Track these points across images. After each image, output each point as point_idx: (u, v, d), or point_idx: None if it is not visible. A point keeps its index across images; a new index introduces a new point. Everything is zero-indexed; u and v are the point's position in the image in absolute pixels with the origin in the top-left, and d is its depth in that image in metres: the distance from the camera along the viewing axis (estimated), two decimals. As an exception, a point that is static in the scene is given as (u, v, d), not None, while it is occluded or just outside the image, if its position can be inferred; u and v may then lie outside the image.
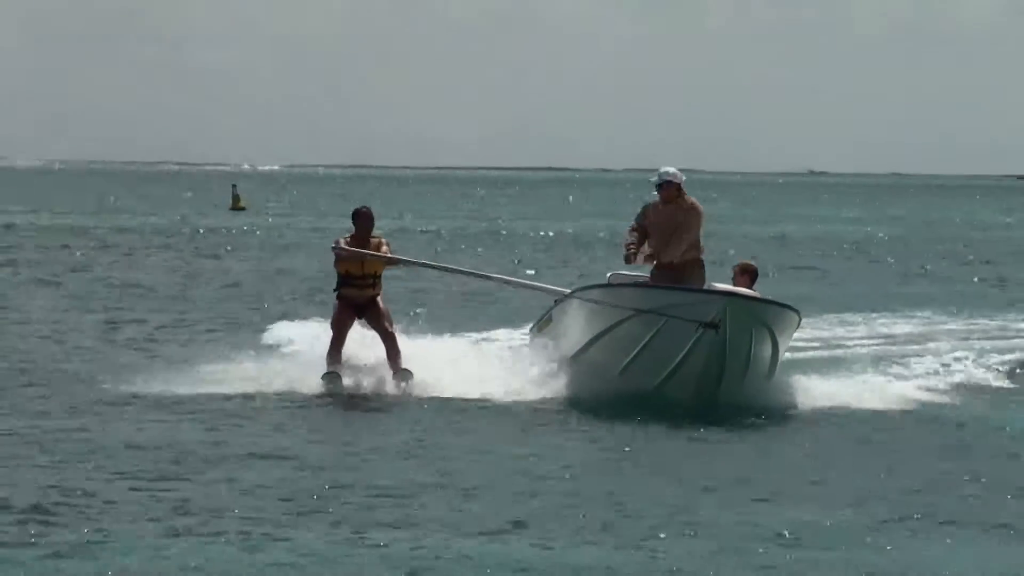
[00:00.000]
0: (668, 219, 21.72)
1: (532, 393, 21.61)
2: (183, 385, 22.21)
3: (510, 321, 30.38)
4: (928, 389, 22.99)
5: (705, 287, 21.60)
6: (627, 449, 18.80)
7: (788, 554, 13.64)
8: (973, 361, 26.11)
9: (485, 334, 29.06)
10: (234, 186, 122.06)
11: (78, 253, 58.35)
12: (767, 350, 20.87)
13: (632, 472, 17.59)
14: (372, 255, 22.79)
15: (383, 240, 22.96)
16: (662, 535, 14.10)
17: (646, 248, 21.91)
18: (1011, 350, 29.18)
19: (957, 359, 26.37)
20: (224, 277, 48.13)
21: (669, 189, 21.71)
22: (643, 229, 21.83)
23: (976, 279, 52.37)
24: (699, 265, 21.72)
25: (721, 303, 20.36)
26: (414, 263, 26.27)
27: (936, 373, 24.91)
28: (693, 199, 22.06)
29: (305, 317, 29.40)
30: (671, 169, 21.94)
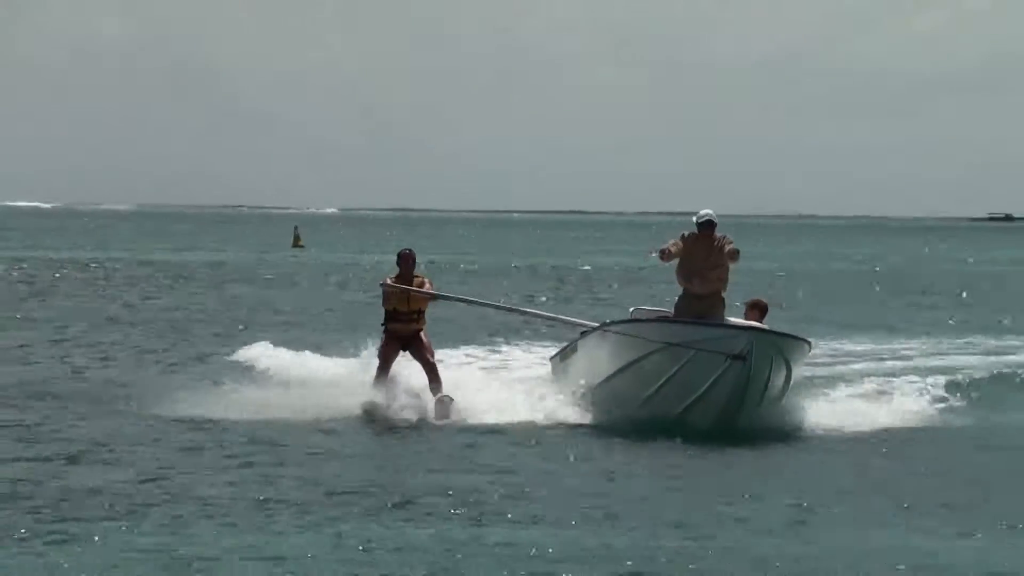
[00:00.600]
0: (705, 252, 22.23)
1: (559, 417, 22.01)
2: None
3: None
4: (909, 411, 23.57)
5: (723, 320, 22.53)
6: (655, 470, 19.24)
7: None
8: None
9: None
10: (296, 227, 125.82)
11: (166, 281, 61.76)
12: (782, 378, 21.55)
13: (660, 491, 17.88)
14: (416, 291, 23.30)
15: (425, 279, 23.63)
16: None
17: (676, 259, 22.18)
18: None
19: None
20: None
21: (709, 228, 22.22)
22: (680, 248, 22.14)
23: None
24: (721, 298, 22.21)
25: (748, 337, 21.08)
26: (454, 298, 26.78)
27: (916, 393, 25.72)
28: (730, 240, 22.49)
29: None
30: (710, 211, 22.39)
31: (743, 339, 21.03)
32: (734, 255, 22.41)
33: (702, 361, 21.10)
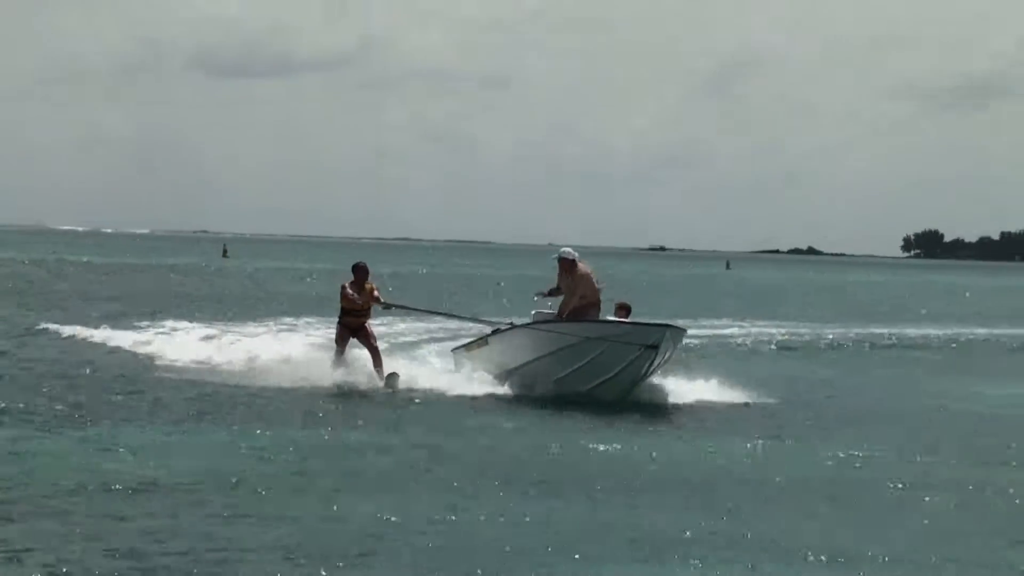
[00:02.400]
0: (571, 281, 23.67)
1: (480, 391, 23.25)
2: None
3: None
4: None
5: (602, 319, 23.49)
6: (560, 432, 19.66)
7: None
8: None
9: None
10: (224, 244, 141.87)
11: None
12: (665, 359, 22.81)
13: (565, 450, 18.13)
14: (389, 304, 26.25)
15: (374, 286, 25.15)
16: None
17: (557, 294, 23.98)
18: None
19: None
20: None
21: (567, 262, 23.74)
22: (561, 284, 23.90)
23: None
24: (597, 308, 23.62)
25: (662, 331, 22.43)
26: (395, 305, 27.95)
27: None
28: (584, 266, 23.80)
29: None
30: (569, 249, 23.97)
31: (658, 333, 22.33)
32: (591, 278, 23.75)
33: (617, 350, 22.27)
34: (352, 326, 24.90)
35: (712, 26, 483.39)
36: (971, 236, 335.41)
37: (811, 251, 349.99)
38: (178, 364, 27.29)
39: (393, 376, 24.18)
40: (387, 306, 26.63)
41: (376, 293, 25.24)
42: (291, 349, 28.58)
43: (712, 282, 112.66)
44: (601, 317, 23.80)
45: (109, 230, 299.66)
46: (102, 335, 32.79)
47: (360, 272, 25.08)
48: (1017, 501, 15.70)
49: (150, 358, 28.40)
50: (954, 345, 43.74)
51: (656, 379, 23.18)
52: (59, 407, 20.26)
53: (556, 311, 24.11)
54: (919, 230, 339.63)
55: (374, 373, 24.43)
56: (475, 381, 23.85)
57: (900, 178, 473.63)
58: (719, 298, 76.01)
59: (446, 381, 24.20)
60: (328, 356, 25.51)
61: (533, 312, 24.88)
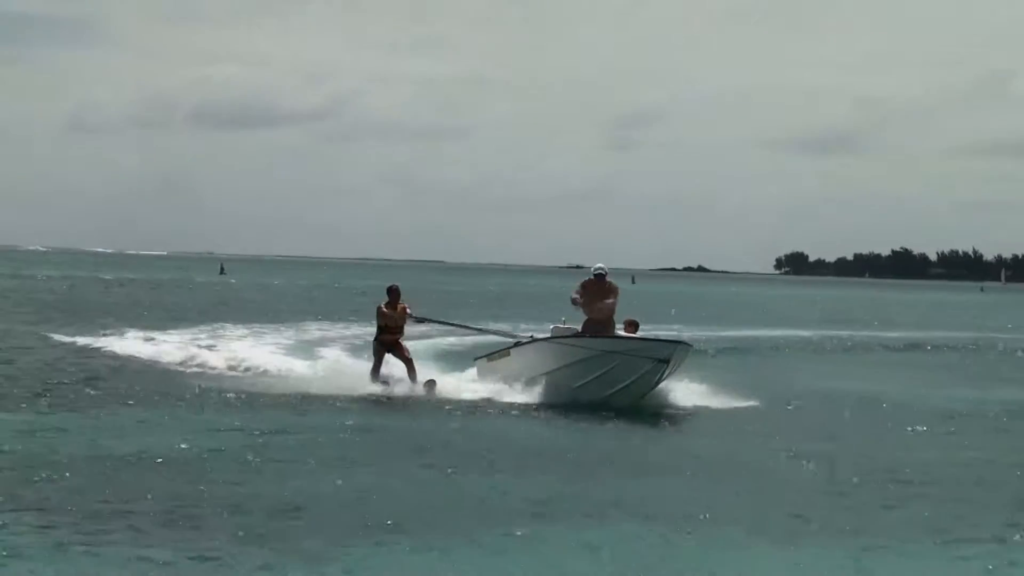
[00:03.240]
0: (599, 292, 22.92)
1: (506, 398, 21.95)
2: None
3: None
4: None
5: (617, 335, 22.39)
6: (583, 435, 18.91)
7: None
8: None
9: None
10: (221, 263, 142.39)
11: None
12: (672, 371, 21.67)
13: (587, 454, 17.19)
14: (418, 319, 24.71)
15: (406, 305, 23.78)
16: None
17: (580, 302, 22.88)
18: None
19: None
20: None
21: (602, 276, 23.06)
22: (583, 291, 22.94)
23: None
24: (612, 322, 22.71)
25: (673, 347, 21.66)
26: (427, 320, 26.55)
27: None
28: (613, 282, 23.11)
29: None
30: (602, 265, 23.23)
31: (669, 348, 21.54)
32: (616, 291, 23.00)
33: (632, 363, 21.31)
34: (387, 342, 23.49)
35: (616, 86, 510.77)
36: (831, 257, 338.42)
37: (701, 268, 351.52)
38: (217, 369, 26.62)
39: (431, 383, 22.87)
40: (419, 320, 25.15)
41: (408, 311, 23.89)
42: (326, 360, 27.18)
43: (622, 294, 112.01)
44: (614, 331, 22.69)
45: (131, 252, 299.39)
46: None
47: (393, 294, 23.85)
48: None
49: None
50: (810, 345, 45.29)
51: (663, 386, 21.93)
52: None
53: (571, 327, 23.02)
54: (788, 252, 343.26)
55: (410, 383, 22.96)
56: (501, 389, 22.47)
57: (773, 209, 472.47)
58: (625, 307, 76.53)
59: (474, 388, 22.88)
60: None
61: (552, 327, 23.56)
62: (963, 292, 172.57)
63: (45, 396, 20.51)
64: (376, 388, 22.86)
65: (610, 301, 22.96)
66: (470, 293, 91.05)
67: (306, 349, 31.31)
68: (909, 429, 20.42)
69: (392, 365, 23.62)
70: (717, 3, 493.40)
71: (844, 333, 53.00)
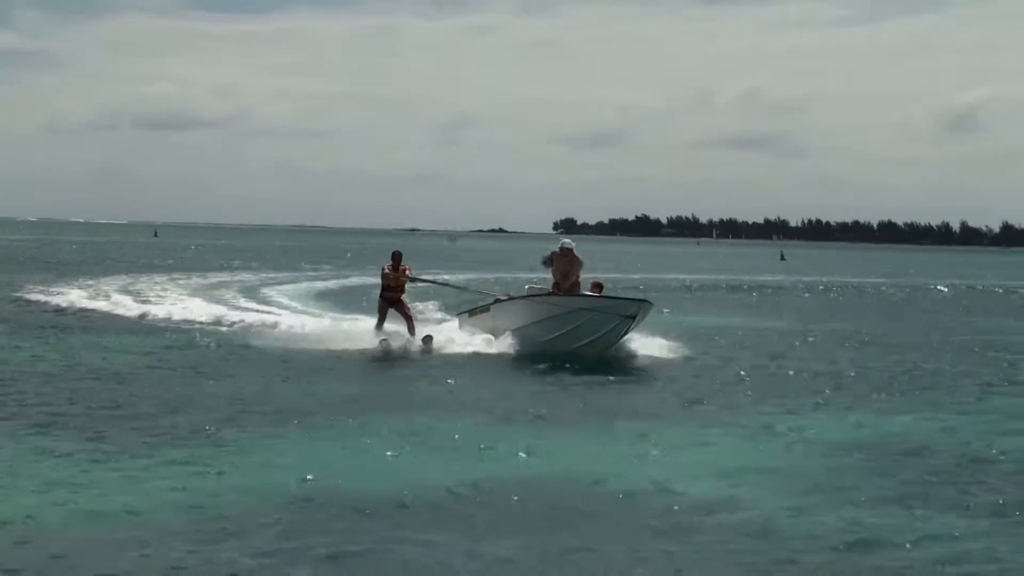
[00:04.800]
0: (567, 264, 19.74)
1: (487, 348, 19.22)
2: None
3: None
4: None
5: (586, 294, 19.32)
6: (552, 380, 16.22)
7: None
8: None
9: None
10: (156, 228, 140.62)
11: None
12: (635, 327, 18.88)
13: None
14: (411, 279, 20.56)
15: (407, 267, 20.54)
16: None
17: (551, 268, 19.83)
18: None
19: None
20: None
21: (570, 250, 19.70)
22: (551, 259, 19.87)
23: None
24: (578, 287, 19.65)
25: (639, 304, 18.52)
26: (420, 279, 23.04)
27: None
28: (579, 254, 19.85)
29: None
30: (569, 240, 20.17)
31: (635, 306, 18.49)
32: (580, 263, 19.79)
33: (602, 319, 18.34)
34: (390, 299, 19.97)
35: (442, 99, 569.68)
36: (592, 221, 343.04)
37: (501, 230, 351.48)
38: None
39: (428, 338, 19.42)
40: (414, 280, 21.17)
41: (408, 272, 20.35)
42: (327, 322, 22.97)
43: (444, 251, 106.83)
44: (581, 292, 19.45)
45: (96, 221, 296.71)
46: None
47: (396, 258, 20.29)
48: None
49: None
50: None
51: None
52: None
53: (544, 286, 20.10)
54: (562, 218, 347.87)
55: (409, 337, 19.68)
56: (481, 340, 19.48)
57: (554, 187, 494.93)
58: (447, 261, 72.26)
59: (462, 340, 19.72)
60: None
61: (527, 287, 20.60)
62: (685, 246, 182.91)
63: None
64: (379, 340, 19.49)
65: (576, 273, 19.81)
66: (336, 249, 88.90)
67: (210, 289, 30.83)
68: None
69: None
70: (515, 36, 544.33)
71: (636, 276, 52.55)
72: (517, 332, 19.25)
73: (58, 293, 28.03)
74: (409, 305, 20.33)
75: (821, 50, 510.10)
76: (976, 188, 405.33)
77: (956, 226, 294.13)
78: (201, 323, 22.40)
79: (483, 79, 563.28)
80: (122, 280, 34.70)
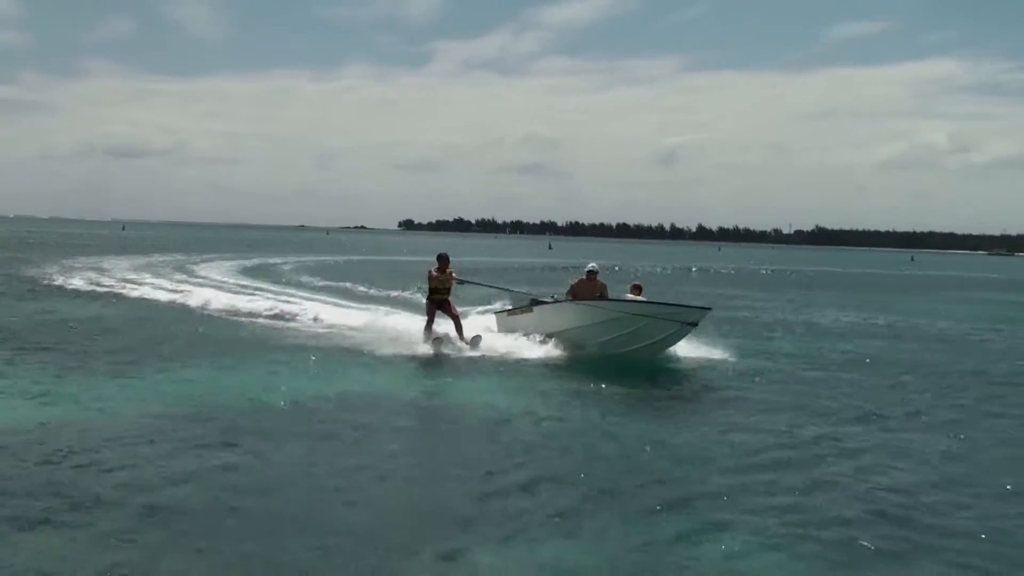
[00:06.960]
0: (590, 289, 13.49)
1: (533, 353, 12.78)
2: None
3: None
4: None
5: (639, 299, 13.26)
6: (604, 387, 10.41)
7: None
8: None
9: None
10: (123, 224, 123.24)
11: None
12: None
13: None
14: (459, 280, 14.14)
15: (452, 271, 13.83)
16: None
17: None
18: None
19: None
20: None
21: (592, 273, 13.56)
22: (575, 291, 13.55)
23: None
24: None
25: (702, 312, 12.37)
26: (466, 281, 15.63)
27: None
28: (602, 281, 13.67)
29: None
30: (593, 264, 13.78)
31: (699, 313, 12.32)
32: (604, 288, 13.54)
33: (661, 325, 12.25)
34: (438, 301, 13.44)
35: (317, 138, 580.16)
36: (424, 221, 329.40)
37: (363, 227, 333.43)
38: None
39: (477, 338, 13.06)
40: (461, 282, 14.55)
41: (454, 275, 13.81)
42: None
43: (324, 240, 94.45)
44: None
45: (71, 217, 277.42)
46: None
47: (443, 260, 13.62)
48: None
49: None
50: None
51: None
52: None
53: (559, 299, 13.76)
54: (404, 219, 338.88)
55: (457, 337, 13.13)
56: (526, 341, 13.17)
57: (399, 197, 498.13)
58: (329, 246, 69.89)
59: (509, 342, 13.26)
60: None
61: (552, 296, 14.30)
62: (486, 239, 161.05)
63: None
64: (428, 342, 13.08)
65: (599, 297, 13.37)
66: (247, 240, 79.36)
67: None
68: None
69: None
70: (370, 95, 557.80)
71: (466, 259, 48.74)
72: (564, 333, 13.22)
73: (72, 269, 25.86)
74: (455, 306, 13.75)
75: (576, 107, 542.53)
76: (679, 202, 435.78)
77: (668, 227, 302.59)
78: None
79: (347, 125, 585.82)
80: (100, 259, 33.51)
